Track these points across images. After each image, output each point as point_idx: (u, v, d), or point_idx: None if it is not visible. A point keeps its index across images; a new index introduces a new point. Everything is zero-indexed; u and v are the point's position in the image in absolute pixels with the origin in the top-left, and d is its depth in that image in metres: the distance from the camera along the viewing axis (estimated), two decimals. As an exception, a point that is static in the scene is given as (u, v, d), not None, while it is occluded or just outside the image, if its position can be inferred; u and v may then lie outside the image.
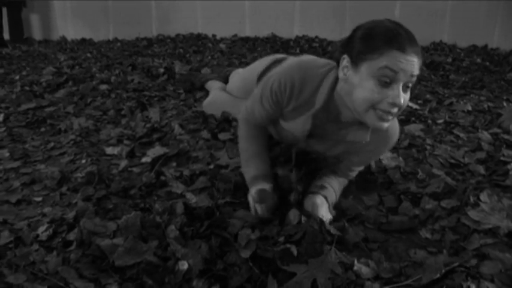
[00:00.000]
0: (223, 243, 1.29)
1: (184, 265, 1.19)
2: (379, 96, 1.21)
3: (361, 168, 1.60)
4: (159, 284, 1.13)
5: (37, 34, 6.27)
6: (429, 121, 2.32)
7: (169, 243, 1.28)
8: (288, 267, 1.17)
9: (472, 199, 1.44)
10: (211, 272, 1.18)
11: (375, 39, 1.20)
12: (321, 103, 1.40)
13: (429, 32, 5.41)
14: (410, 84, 1.22)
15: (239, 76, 2.35)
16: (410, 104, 2.57)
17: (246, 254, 1.22)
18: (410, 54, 1.17)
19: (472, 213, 1.37)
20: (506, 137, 2.08)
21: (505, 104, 2.69)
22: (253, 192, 1.45)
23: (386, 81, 1.19)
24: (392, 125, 1.44)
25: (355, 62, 1.25)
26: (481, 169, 1.74)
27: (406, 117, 2.35)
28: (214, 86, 2.63)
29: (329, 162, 1.60)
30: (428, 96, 2.84)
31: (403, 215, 1.45)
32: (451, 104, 2.71)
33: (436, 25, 5.47)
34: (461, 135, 2.12)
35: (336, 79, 1.36)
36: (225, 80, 2.71)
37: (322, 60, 1.48)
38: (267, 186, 1.45)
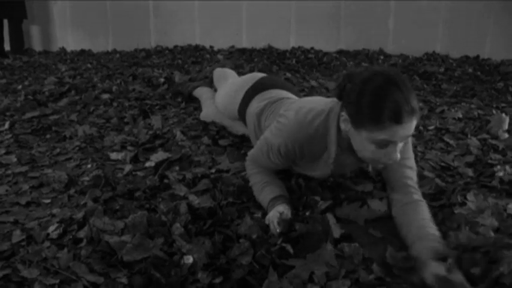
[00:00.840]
0: (226, 239, 1.37)
1: (189, 259, 1.27)
2: (378, 155, 1.32)
3: (412, 176, 1.54)
4: (166, 277, 1.20)
5: (37, 45, 6.36)
6: (421, 127, 2.41)
7: (175, 240, 1.36)
8: (287, 261, 1.25)
9: (459, 199, 1.53)
10: (214, 265, 1.26)
11: (375, 114, 1.24)
12: (334, 151, 1.49)
13: (422, 42, 5.53)
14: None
15: (222, 100, 2.36)
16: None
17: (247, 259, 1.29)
18: (410, 122, 1.24)
19: (459, 211, 1.45)
20: (494, 142, 2.18)
21: (494, 111, 2.79)
22: (271, 215, 1.44)
23: (384, 145, 1.29)
24: None
25: (356, 125, 1.32)
26: (469, 171, 1.83)
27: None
28: (203, 95, 2.71)
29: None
30: (420, 104, 2.93)
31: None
32: (442, 111, 2.80)
33: (429, 36, 5.59)
34: (451, 141, 2.21)
35: (337, 121, 1.45)
36: (210, 83, 2.85)
37: (316, 107, 1.53)
38: (285, 208, 1.46)
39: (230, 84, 2.41)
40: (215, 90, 2.69)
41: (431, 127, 2.42)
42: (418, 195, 1.48)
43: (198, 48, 5.87)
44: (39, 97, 3.10)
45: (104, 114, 2.68)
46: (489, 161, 1.91)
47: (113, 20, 6.14)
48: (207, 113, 2.48)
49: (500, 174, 1.75)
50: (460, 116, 2.70)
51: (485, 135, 2.30)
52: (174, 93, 3.11)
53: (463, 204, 1.50)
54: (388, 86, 1.25)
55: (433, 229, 1.33)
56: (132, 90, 3.15)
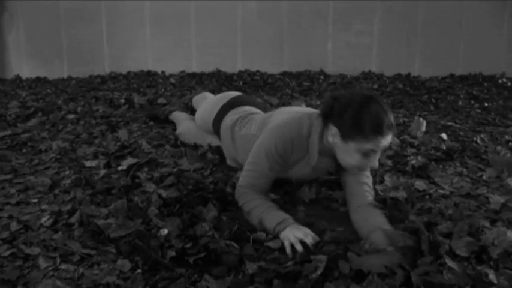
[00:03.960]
0: (192, 217, 1.70)
1: (164, 231, 1.58)
2: (361, 163, 1.61)
3: (369, 180, 1.77)
4: (147, 244, 1.51)
5: (-10, 74, 6.46)
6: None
7: (151, 219, 1.67)
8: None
9: (377, 180, 1.92)
10: (185, 235, 1.58)
11: (363, 128, 1.53)
12: (316, 154, 1.73)
13: (359, 63, 6.07)
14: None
15: (200, 114, 2.60)
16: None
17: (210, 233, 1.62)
18: (389, 134, 1.55)
19: (378, 188, 1.84)
20: (411, 140, 2.61)
21: (415, 117, 3.24)
22: (292, 234, 1.50)
23: (368, 154, 1.57)
24: None
25: (344, 138, 1.59)
26: (389, 162, 2.24)
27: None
28: (181, 117, 2.91)
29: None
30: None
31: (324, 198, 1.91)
32: (372, 120, 3.23)
33: (365, 57, 6.13)
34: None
35: (320, 132, 1.70)
36: (187, 108, 3.10)
37: (300, 115, 1.81)
38: (309, 232, 1.53)
39: (208, 101, 2.65)
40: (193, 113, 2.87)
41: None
42: (371, 198, 1.70)
43: (150, 74, 6.16)
44: (7, 119, 3.32)
45: (73, 131, 2.94)
46: (405, 153, 2.33)
47: (67, 47, 6.36)
48: (184, 130, 2.67)
49: (413, 162, 2.16)
50: (388, 123, 3.13)
51: (406, 136, 2.74)
52: (149, 116, 3.27)
53: (381, 182, 1.90)
54: (370, 103, 1.55)
55: (384, 223, 1.55)
56: (96, 110, 3.43)
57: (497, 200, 1.76)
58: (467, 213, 1.66)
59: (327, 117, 1.66)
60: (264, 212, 1.64)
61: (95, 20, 6.30)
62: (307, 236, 1.48)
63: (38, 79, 6.09)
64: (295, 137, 1.74)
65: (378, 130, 1.53)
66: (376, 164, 1.62)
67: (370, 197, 1.70)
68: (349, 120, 1.56)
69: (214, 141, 2.45)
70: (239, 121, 2.13)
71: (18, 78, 6.25)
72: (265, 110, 2.32)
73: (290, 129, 1.75)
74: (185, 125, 2.73)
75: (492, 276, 1.17)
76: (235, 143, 2.08)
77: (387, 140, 1.56)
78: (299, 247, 1.45)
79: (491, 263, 1.28)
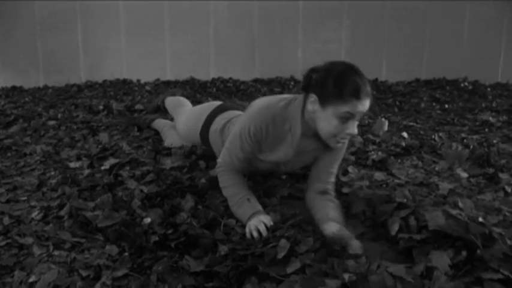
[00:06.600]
0: (172, 207, 1.86)
1: (148, 220, 1.75)
2: (340, 130, 1.65)
3: (335, 170, 1.93)
4: (133, 231, 1.67)
5: (-36, 84, 6.49)
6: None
7: (135, 210, 1.84)
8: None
9: (341, 172, 2.12)
10: (166, 222, 1.75)
11: (341, 91, 1.58)
12: (299, 131, 1.78)
13: (328, 69, 6.30)
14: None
15: (185, 127, 2.62)
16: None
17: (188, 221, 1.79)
18: (366, 100, 1.61)
19: (343, 178, 2.04)
20: (374, 138, 2.82)
21: (379, 117, 3.47)
22: (253, 223, 1.70)
23: (345, 119, 1.62)
24: None
25: (323, 103, 1.64)
26: (352, 158, 2.44)
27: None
28: (164, 126, 2.94)
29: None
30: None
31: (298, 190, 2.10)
32: (339, 121, 3.44)
33: (334, 64, 6.38)
34: (342, 139, 2.83)
35: (302, 107, 1.75)
36: (166, 114, 3.22)
37: (278, 97, 1.88)
38: (265, 218, 1.72)
39: (189, 112, 2.68)
40: (172, 119, 2.97)
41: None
42: (331, 188, 1.86)
43: (126, 82, 6.28)
44: (-10, 126, 3.43)
45: (55, 136, 3.07)
46: (367, 150, 2.54)
47: (43, 57, 6.44)
48: (171, 141, 2.71)
49: (374, 157, 2.37)
50: (353, 123, 3.35)
51: (369, 135, 2.95)
52: (131, 125, 3.31)
53: (346, 173, 2.10)
54: (349, 70, 1.63)
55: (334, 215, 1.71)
56: (76, 116, 3.57)
57: (445, 186, 1.98)
58: (419, 198, 1.86)
59: (307, 89, 1.71)
60: (236, 205, 1.82)
61: (71, 29, 6.40)
62: (260, 223, 1.68)
63: (14, 88, 6.14)
64: (270, 122, 1.81)
65: (355, 93, 1.58)
66: (355, 130, 1.67)
67: (329, 185, 1.86)
68: (328, 85, 1.61)
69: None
70: (226, 124, 2.20)
71: (-7, 87, 6.31)
72: None
73: (266, 113, 1.82)
74: (170, 138, 2.76)
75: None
76: None
77: (364, 105, 1.61)
78: (255, 234, 1.66)
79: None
